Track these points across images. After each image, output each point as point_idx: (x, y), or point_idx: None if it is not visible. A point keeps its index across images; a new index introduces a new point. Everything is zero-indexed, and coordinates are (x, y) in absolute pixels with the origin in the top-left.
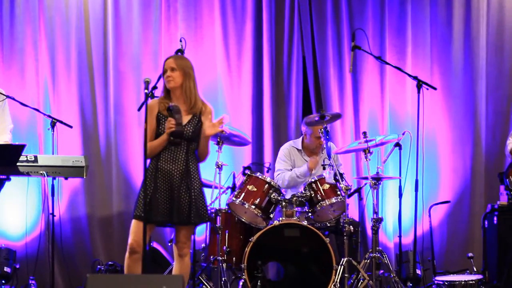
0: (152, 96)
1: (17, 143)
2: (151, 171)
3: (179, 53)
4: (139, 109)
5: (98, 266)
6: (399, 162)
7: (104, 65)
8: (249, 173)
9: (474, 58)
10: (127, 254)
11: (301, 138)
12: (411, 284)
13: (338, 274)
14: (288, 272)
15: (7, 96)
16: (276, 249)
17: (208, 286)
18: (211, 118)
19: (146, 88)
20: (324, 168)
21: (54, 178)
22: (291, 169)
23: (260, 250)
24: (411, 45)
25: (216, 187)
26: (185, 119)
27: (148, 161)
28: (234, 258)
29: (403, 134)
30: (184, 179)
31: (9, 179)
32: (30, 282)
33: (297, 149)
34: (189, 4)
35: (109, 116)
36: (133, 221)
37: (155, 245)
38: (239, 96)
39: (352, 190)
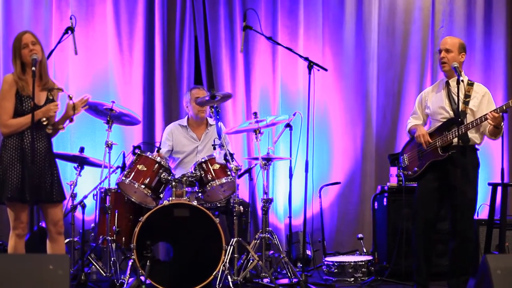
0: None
1: None
2: (14, 149)
3: (69, 31)
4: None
5: None
6: (290, 143)
7: None
8: (139, 152)
9: (366, 40)
10: (11, 235)
11: (186, 116)
12: (301, 265)
13: (228, 255)
14: (177, 252)
15: None
16: (165, 229)
17: (98, 266)
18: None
19: (34, 65)
20: (214, 148)
21: None
22: (172, 150)
23: (150, 230)
24: (303, 26)
25: (105, 167)
26: (42, 95)
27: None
28: (123, 238)
29: (294, 114)
30: (47, 156)
31: None
32: None
33: (181, 126)
34: None
35: None
36: (8, 204)
37: (44, 225)
38: (130, 75)
39: (242, 171)
